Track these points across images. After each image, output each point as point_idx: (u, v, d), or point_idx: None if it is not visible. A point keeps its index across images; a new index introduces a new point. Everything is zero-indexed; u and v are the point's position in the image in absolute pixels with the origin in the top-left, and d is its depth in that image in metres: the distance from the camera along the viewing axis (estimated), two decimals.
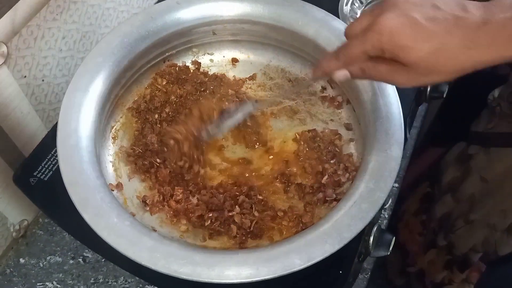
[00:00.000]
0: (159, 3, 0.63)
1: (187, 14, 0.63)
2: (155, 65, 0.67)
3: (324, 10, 0.64)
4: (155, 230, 0.56)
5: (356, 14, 0.81)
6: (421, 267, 1.21)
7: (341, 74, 0.47)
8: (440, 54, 0.40)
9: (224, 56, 0.71)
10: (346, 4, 0.81)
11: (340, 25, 0.63)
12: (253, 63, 0.71)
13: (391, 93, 0.56)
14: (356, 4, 0.82)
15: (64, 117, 0.52)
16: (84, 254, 0.72)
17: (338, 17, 0.68)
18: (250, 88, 0.69)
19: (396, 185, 0.80)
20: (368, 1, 0.84)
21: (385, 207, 0.77)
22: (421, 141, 1.37)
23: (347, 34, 0.47)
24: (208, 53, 0.70)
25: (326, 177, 0.58)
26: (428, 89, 0.76)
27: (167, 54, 0.67)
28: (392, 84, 0.46)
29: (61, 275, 0.70)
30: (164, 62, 0.68)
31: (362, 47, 0.43)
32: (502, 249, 1.02)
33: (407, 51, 0.41)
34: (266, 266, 0.44)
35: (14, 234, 0.73)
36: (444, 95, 0.77)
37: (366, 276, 0.71)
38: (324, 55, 0.49)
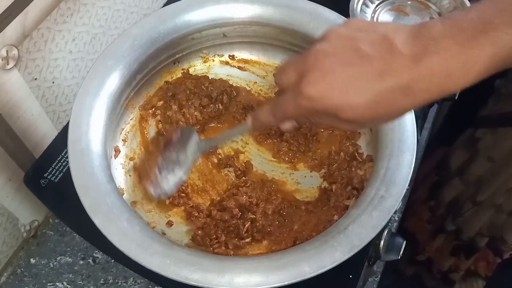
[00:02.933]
0: (169, 5, 0.63)
1: (198, 16, 0.63)
2: (166, 67, 0.67)
3: (335, 12, 0.63)
4: (164, 234, 0.56)
5: (367, 13, 0.81)
6: (429, 255, 1.21)
7: (288, 126, 0.46)
8: (377, 106, 0.38)
9: (235, 57, 0.71)
10: (357, 4, 0.80)
11: None
12: (263, 65, 0.70)
13: None
14: (367, 4, 0.82)
15: (75, 121, 0.52)
16: (94, 254, 0.72)
17: (349, 17, 0.67)
18: (261, 89, 0.69)
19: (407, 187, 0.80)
20: (380, 1, 0.83)
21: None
22: (431, 141, 1.36)
23: (276, 80, 0.45)
24: (218, 55, 0.70)
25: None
26: None
27: (177, 56, 0.66)
28: (340, 130, 0.46)
29: (71, 275, 0.71)
30: (174, 64, 0.68)
31: (297, 111, 0.42)
32: (507, 233, 1.02)
33: (343, 111, 0.39)
34: (275, 274, 0.44)
35: (25, 234, 0.73)
36: (456, 97, 0.76)
37: (376, 279, 0.71)
38: (260, 107, 0.48)
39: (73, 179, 0.49)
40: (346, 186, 0.57)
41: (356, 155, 0.60)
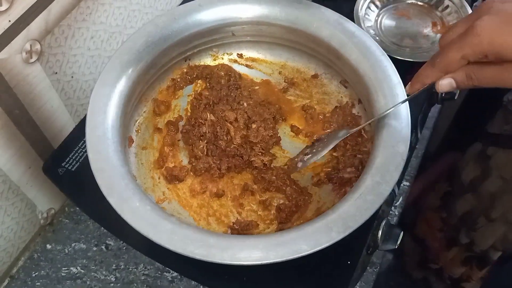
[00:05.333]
0: (182, 5, 0.67)
1: (208, 16, 0.67)
2: (177, 63, 0.70)
3: (338, 13, 0.67)
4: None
5: (370, 17, 0.84)
6: (442, 264, 1.23)
7: (445, 83, 0.44)
8: None
9: (243, 56, 0.74)
10: (361, 8, 0.83)
11: (353, 27, 0.65)
12: (270, 63, 0.74)
13: (399, 93, 0.59)
14: (371, 8, 0.85)
15: (93, 109, 0.56)
16: (107, 242, 0.76)
17: (353, 21, 0.70)
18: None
19: (407, 183, 0.83)
20: (384, 5, 0.86)
21: (396, 204, 0.79)
22: (439, 145, 1.39)
23: (441, 42, 0.45)
24: (227, 53, 0.74)
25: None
26: None
27: (188, 53, 0.70)
28: (505, 86, 0.42)
29: (84, 261, 0.74)
30: (185, 61, 0.72)
31: (460, 52, 0.41)
32: None
33: None
34: (275, 250, 0.47)
35: (42, 221, 0.77)
36: (456, 97, 0.79)
37: (375, 269, 0.73)
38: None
39: (90, 162, 0.53)
40: (353, 156, 0.62)
41: (362, 132, 0.64)
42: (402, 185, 0.81)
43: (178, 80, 0.71)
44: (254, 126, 0.64)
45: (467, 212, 1.13)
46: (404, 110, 0.57)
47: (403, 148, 0.54)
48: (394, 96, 0.59)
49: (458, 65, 0.42)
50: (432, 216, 1.23)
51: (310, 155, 0.62)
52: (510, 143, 1.04)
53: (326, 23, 0.66)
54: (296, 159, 0.63)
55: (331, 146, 0.60)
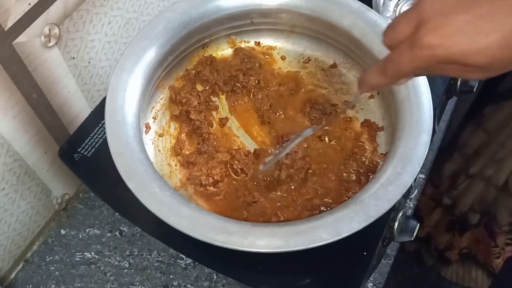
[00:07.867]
0: None
1: (228, 2, 0.66)
2: (195, 50, 0.70)
3: (359, 2, 0.66)
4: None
5: (389, 7, 0.83)
6: (428, 230, 1.23)
7: (404, 81, 0.43)
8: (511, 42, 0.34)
9: (260, 44, 0.74)
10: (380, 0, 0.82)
11: (375, 16, 0.65)
12: (288, 52, 0.73)
13: (421, 83, 0.58)
14: None
15: (112, 94, 0.56)
16: (121, 228, 0.76)
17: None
18: None
19: (423, 176, 0.82)
20: None
21: (411, 196, 0.79)
22: (452, 138, 1.38)
23: (388, 44, 0.41)
24: (245, 41, 0.73)
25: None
26: (458, 83, 0.77)
27: (206, 40, 0.70)
28: (465, 79, 0.40)
29: (99, 246, 0.75)
30: (203, 48, 0.71)
31: (414, 64, 0.38)
32: (499, 213, 1.03)
33: (471, 56, 0.35)
34: (295, 238, 0.47)
35: (56, 206, 0.77)
36: (474, 90, 0.78)
37: (389, 261, 0.73)
38: (366, 70, 0.45)
39: (109, 146, 0.52)
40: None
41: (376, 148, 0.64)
42: (417, 177, 0.81)
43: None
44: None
45: (453, 172, 1.12)
46: (427, 101, 0.57)
47: (426, 138, 0.53)
48: (416, 85, 0.58)
49: (412, 74, 0.41)
50: (426, 184, 1.22)
51: (272, 157, 0.62)
52: (502, 96, 1.03)
53: (348, 12, 0.65)
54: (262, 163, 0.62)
55: (293, 145, 0.59)
